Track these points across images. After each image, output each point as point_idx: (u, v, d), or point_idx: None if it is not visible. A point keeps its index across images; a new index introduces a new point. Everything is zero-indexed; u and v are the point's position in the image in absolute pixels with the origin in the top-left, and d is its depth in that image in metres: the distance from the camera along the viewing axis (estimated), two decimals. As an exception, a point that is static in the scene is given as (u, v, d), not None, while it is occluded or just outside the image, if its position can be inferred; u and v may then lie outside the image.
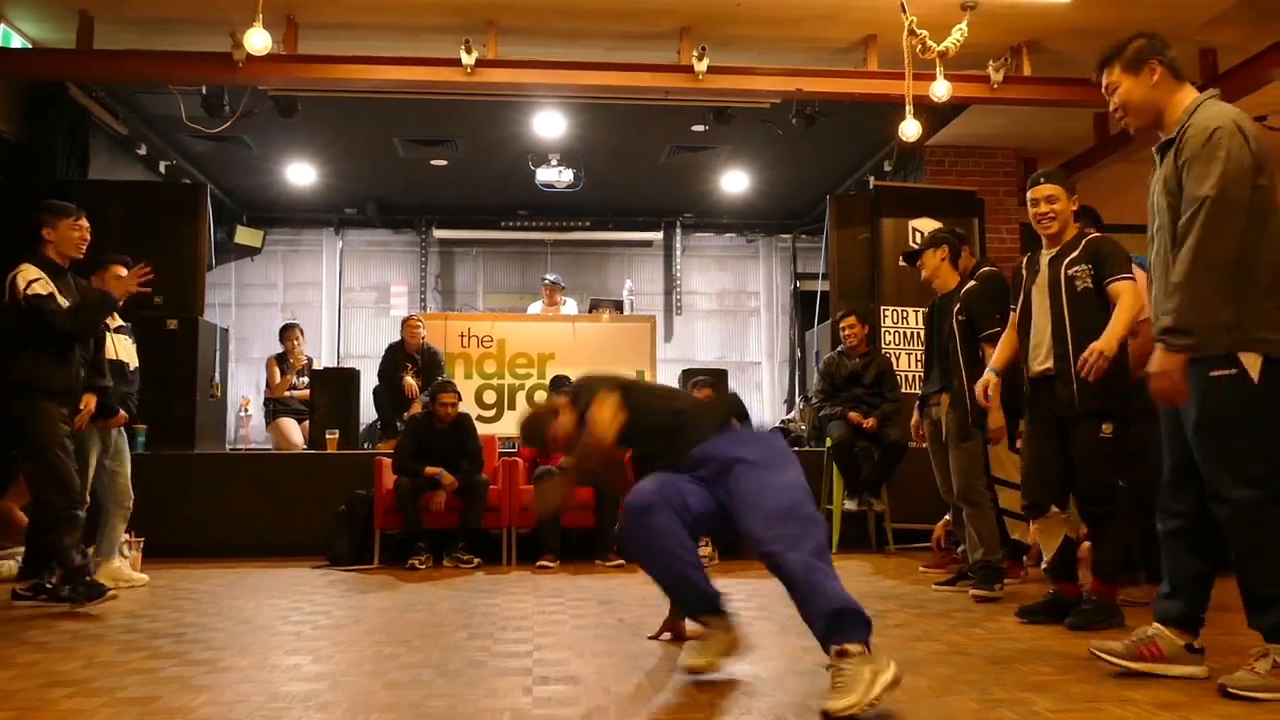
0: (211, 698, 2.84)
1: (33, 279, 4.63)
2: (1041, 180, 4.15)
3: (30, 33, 7.03)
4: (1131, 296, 3.87)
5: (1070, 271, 3.97)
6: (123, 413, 5.38)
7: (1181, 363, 2.77)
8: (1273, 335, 2.76)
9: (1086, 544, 4.50)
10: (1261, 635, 2.77)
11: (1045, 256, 4.12)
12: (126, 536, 5.58)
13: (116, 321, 5.53)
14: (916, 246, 5.37)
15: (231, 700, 2.81)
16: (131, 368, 5.59)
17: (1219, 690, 2.74)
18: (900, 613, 4.32)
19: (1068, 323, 3.95)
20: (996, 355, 4.44)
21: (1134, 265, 3.99)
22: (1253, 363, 2.75)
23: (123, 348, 5.55)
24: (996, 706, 2.64)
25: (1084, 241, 4.04)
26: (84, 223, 4.92)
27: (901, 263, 5.73)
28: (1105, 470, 3.93)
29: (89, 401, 4.91)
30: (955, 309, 4.91)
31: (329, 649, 3.62)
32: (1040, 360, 4.04)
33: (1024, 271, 4.24)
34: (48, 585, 4.71)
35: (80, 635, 3.93)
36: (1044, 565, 4.18)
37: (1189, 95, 3.02)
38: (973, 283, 4.95)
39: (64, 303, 4.66)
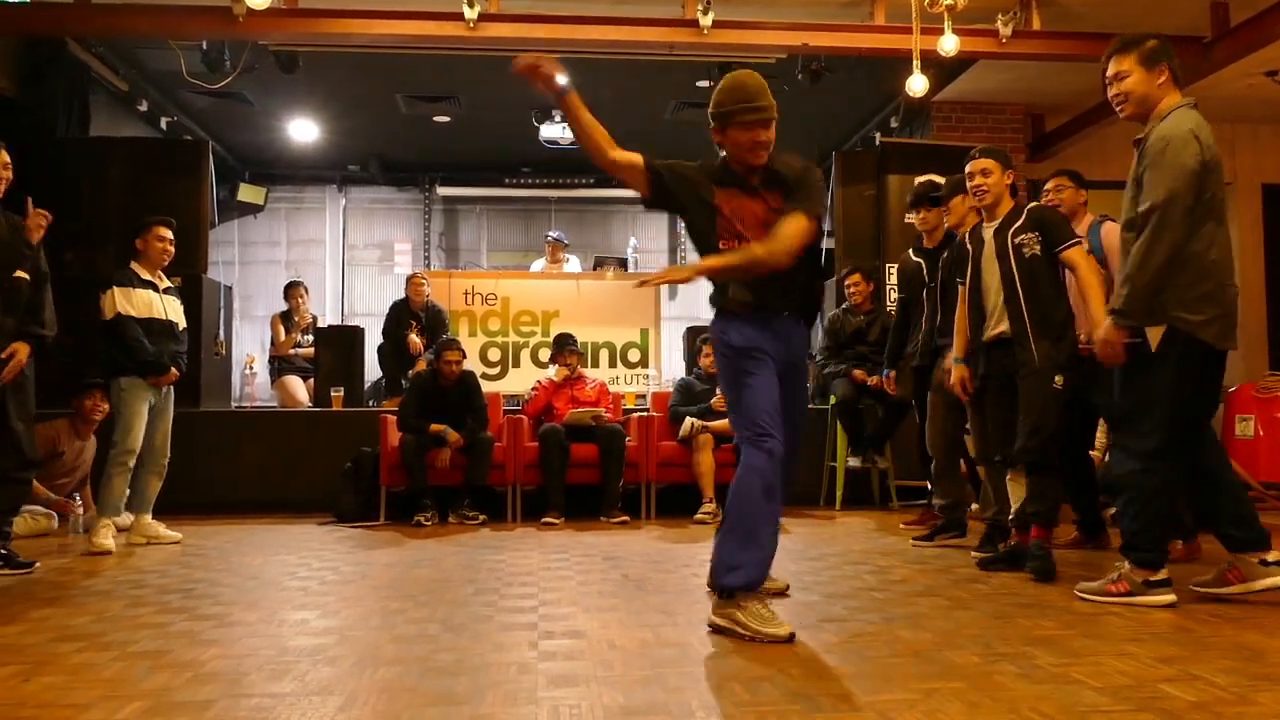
0: (221, 651, 2.88)
1: None
2: (978, 155, 4.42)
3: (28, -14, 6.96)
4: (1086, 262, 4.17)
5: (1017, 240, 4.19)
6: (174, 370, 5.49)
7: (1123, 335, 3.39)
8: (1186, 315, 3.29)
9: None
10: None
11: (989, 229, 4.35)
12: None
13: (165, 283, 5.64)
14: (940, 191, 5.19)
15: (240, 654, 2.84)
16: (180, 327, 5.68)
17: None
18: (902, 569, 4.35)
19: (1020, 287, 4.16)
20: (957, 343, 4.62)
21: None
22: (1154, 334, 3.33)
23: (171, 307, 5.63)
24: (999, 660, 2.66)
25: (1026, 211, 4.27)
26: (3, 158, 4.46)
27: (908, 217, 5.70)
28: (1051, 420, 4.10)
29: (18, 350, 4.45)
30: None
31: (336, 604, 3.65)
32: (994, 325, 4.26)
33: (969, 246, 4.46)
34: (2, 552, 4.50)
35: (89, 591, 3.98)
36: (1010, 516, 4.35)
37: (1174, 101, 3.44)
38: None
39: None
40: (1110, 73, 3.56)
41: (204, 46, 7.64)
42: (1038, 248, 4.17)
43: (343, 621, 3.32)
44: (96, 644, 2.98)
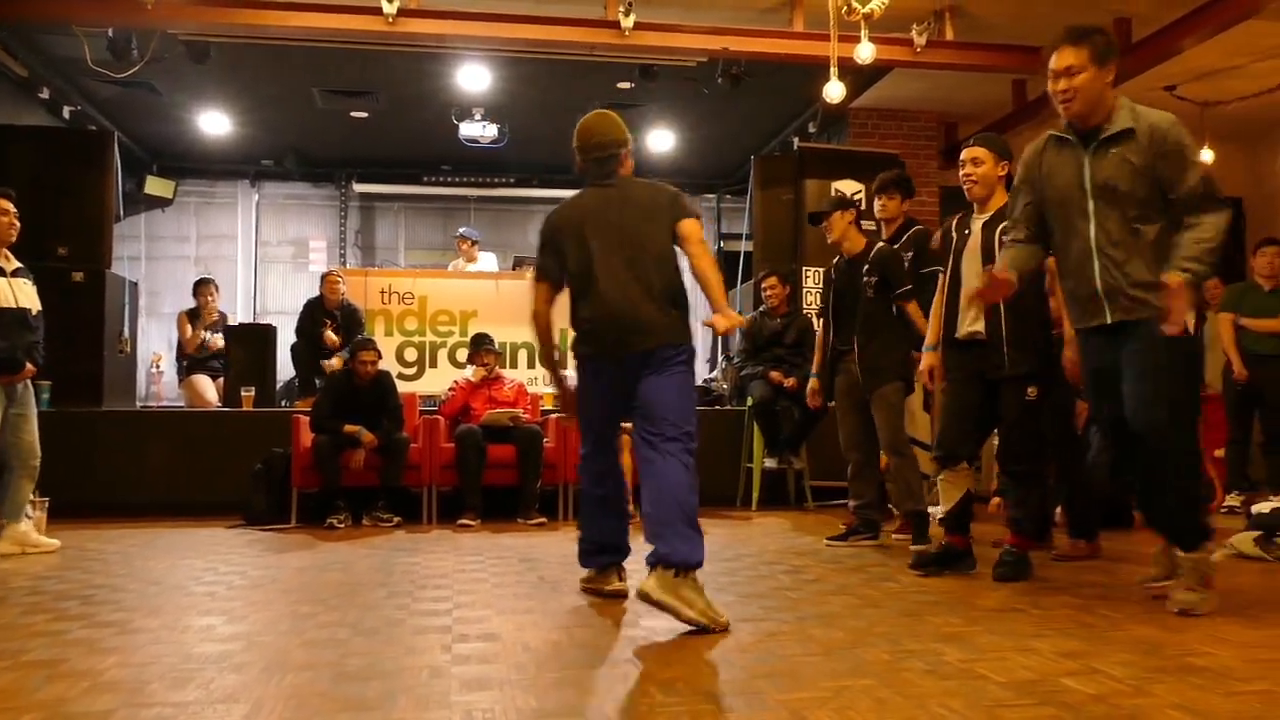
0: (121, 660, 2.78)
1: None
2: (971, 142, 4.28)
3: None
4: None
5: (1005, 237, 3.94)
6: (29, 365, 5.00)
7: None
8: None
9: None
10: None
11: (977, 221, 4.19)
12: (31, 498, 5.35)
13: (13, 264, 5.07)
14: (824, 207, 5.30)
15: (142, 662, 2.75)
16: (34, 312, 5.11)
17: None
18: (817, 568, 4.41)
19: None
20: (931, 330, 4.52)
21: None
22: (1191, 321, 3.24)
23: (22, 293, 5.06)
24: (908, 657, 2.71)
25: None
26: None
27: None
28: (1032, 430, 4.09)
29: None
30: (865, 269, 4.96)
31: (244, 609, 3.56)
32: (969, 322, 4.11)
33: (954, 234, 4.28)
34: None
35: (-19, 597, 3.82)
36: (940, 516, 4.32)
37: (1119, 99, 3.44)
38: (881, 244, 5.09)
39: None
40: (1058, 66, 3.37)
41: (110, 33, 7.39)
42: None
43: (250, 627, 3.24)
44: (-13, 653, 2.86)
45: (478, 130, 9.79)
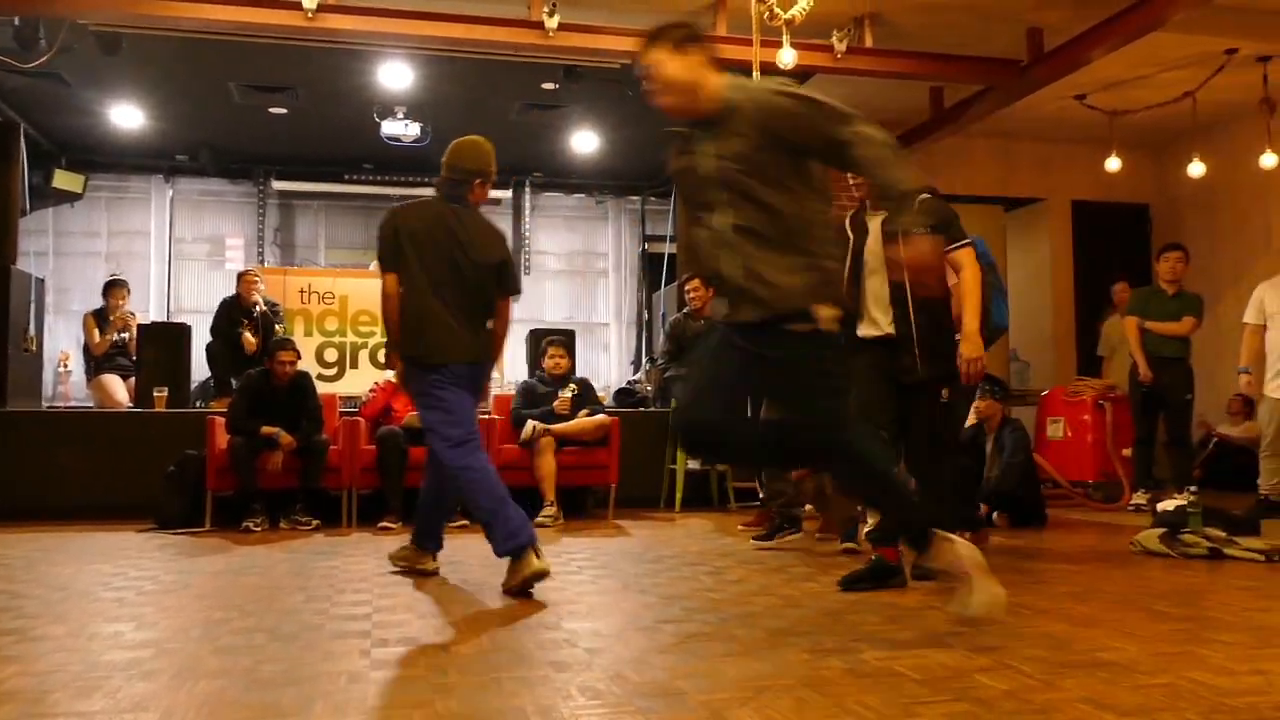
0: (22, 668, 2.68)
1: None
2: None
3: None
4: (973, 270, 4.00)
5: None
6: None
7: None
8: None
9: None
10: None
11: (873, 219, 4.09)
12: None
13: None
14: None
15: (44, 670, 2.66)
16: None
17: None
18: (738, 569, 4.44)
19: (909, 287, 3.89)
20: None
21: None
22: None
23: None
24: (826, 656, 2.75)
25: (919, 203, 3.86)
26: None
27: None
28: (944, 433, 4.12)
29: None
30: None
31: (154, 615, 3.47)
32: (878, 324, 4.03)
33: (849, 232, 4.16)
34: None
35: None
36: (868, 530, 4.06)
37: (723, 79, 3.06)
38: None
39: None
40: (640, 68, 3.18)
41: (15, 22, 7.14)
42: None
43: (161, 634, 3.15)
44: (-121, 665, 2.73)
45: (400, 129, 9.68)
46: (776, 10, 6.27)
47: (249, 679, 2.56)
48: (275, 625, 3.24)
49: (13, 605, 3.62)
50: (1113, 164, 8.79)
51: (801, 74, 7.83)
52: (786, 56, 6.60)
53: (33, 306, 7.43)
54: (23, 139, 7.46)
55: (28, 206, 9.20)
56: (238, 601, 3.68)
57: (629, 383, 9.42)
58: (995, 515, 6.04)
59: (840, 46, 7.22)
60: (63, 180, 10.78)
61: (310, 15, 6.51)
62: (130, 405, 7.75)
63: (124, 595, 3.84)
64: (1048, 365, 9.95)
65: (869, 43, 7.36)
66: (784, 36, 6.54)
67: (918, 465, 4.14)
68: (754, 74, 6.57)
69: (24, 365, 7.24)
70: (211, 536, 5.85)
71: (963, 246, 4.05)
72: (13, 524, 6.20)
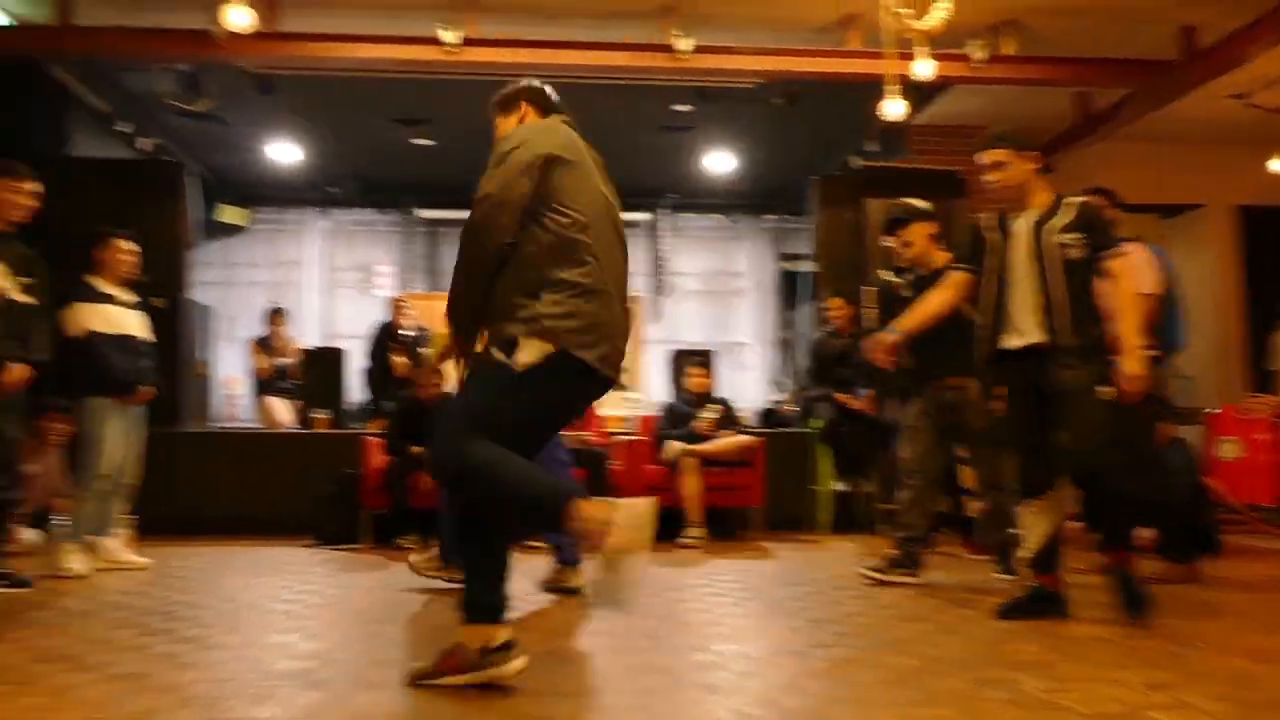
0: (201, 675, 2.85)
1: None
2: (986, 143, 3.96)
3: (11, 8, 6.95)
4: (1129, 280, 3.71)
5: (1060, 239, 3.69)
6: (143, 389, 5.25)
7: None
8: None
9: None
10: None
11: (1020, 221, 3.83)
12: (121, 516, 5.48)
13: (128, 296, 5.34)
14: (902, 214, 4.83)
15: (222, 678, 2.81)
16: (147, 342, 5.36)
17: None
18: (888, 594, 4.35)
19: (1064, 295, 3.66)
20: (914, 318, 4.17)
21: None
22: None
23: (136, 323, 5.35)
24: (984, 686, 2.66)
25: (1075, 207, 3.77)
26: (27, 185, 4.52)
27: (884, 240, 5.32)
28: (1112, 436, 3.65)
29: (14, 372, 4.40)
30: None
31: (319, 627, 3.63)
32: (1024, 334, 3.74)
33: (990, 234, 3.91)
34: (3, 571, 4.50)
35: (70, 612, 3.93)
36: (1027, 555, 3.79)
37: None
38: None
39: None
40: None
41: (183, 69, 7.63)
42: (1084, 251, 3.66)
43: (326, 644, 3.30)
44: (78, 665, 2.94)
45: (536, 155, 9.89)
46: (909, 22, 6.17)
47: (406, 691, 2.65)
48: (428, 640, 3.33)
49: (190, 615, 3.84)
50: (1277, 165, 8.30)
51: (939, 85, 7.70)
52: (922, 69, 6.48)
53: (204, 334, 7.88)
54: (187, 177, 7.94)
55: (198, 240, 9.80)
56: (394, 616, 3.82)
57: (770, 403, 9.37)
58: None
59: (978, 55, 7.05)
60: (228, 215, 11.44)
61: (451, 49, 6.75)
62: (293, 426, 8.13)
63: (291, 608, 4.03)
64: (1212, 381, 9.41)
65: (1008, 50, 7.17)
66: (920, 48, 6.42)
67: (1089, 479, 3.75)
68: (890, 88, 6.50)
69: (195, 389, 7.70)
70: (367, 553, 6.07)
71: (1119, 254, 3.74)
72: (179, 536, 6.55)
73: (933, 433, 4.72)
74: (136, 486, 5.44)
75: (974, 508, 5.01)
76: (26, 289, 4.48)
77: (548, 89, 3.20)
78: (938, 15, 6.09)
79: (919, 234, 4.78)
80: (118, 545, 5.32)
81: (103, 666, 2.94)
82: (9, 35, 7.05)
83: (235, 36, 6.33)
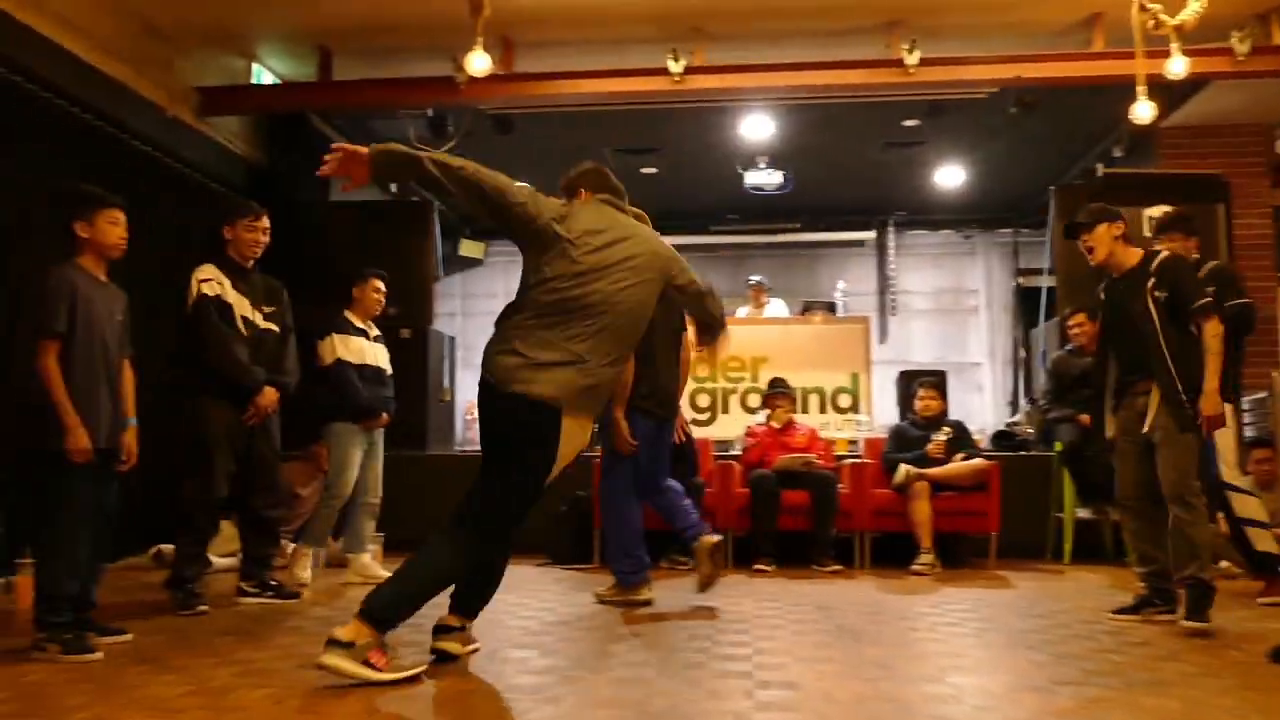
0: (447, 685, 3.00)
1: (204, 278, 4.66)
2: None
3: (277, 69, 7.67)
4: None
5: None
6: (384, 415, 5.72)
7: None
8: None
9: None
10: None
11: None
12: (371, 533, 5.90)
13: (374, 331, 5.86)
14: (1082, 218, 4.52)
15: (466, 690, 2.95)
16: (388, 372, 5.88)
17: None
18: (1142, 629, 4.05)
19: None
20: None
21: None
22: None
23: (380, 355, 5.84)
24: (1256, 732, 2.44)
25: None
26: (262, 223, 4.87)
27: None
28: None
29: (267, 394, 4.74)
30: (1149, 284, 4.25)
31: (555, 643, 3.75)
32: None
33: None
34: (271, 583, 4.86)
35: (330, 621, 4.20)
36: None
37: None
38: (1164, 253, 4.42)
39: (234, 300, 4.68)
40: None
41: (429, 113, 8.16)
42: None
43: (562, 661, 3.40)
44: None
45: (763, 178, 9.92)
46: (1162, 17, 5.77)
47: (640, 711, 2.70)
48: (662, 660, 3.39)
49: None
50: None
51: (1194, 83, 7.15)
52: (1176, 66, 6.06)
53: (446, 362, 8.36)
54: (435, 215, 8.46)
55: (440, 273, 10.40)
56: (627, 635, 3.89)
57: (1007, 425, 8.94)
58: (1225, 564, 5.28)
59: (1242, 48, 6.51)
60: (468, 249, 12.10)
61: (677, 79, 6.88)
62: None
63: (528, 624, 4.19)
64: None
65: (1277, 40, 6.58)
66: (1173, 44, 6.00)
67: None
68: (1139, 89, 6.11)
69: (440, 414, 8.15)
70: (600, 572, 6.21)
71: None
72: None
73: (1136, 449, 4.35)
74: (381, 505, 5.85)
75: (1264, 540, 4.65)
76: (268, 317, 4.88)
77: None
78: (1193, 8, 5.67)
79: (1103, 237, 4.43)
80: (370, 561, 5.73)
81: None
82: (278, 92, 7.78)
83: (475, 81, 6.72)
